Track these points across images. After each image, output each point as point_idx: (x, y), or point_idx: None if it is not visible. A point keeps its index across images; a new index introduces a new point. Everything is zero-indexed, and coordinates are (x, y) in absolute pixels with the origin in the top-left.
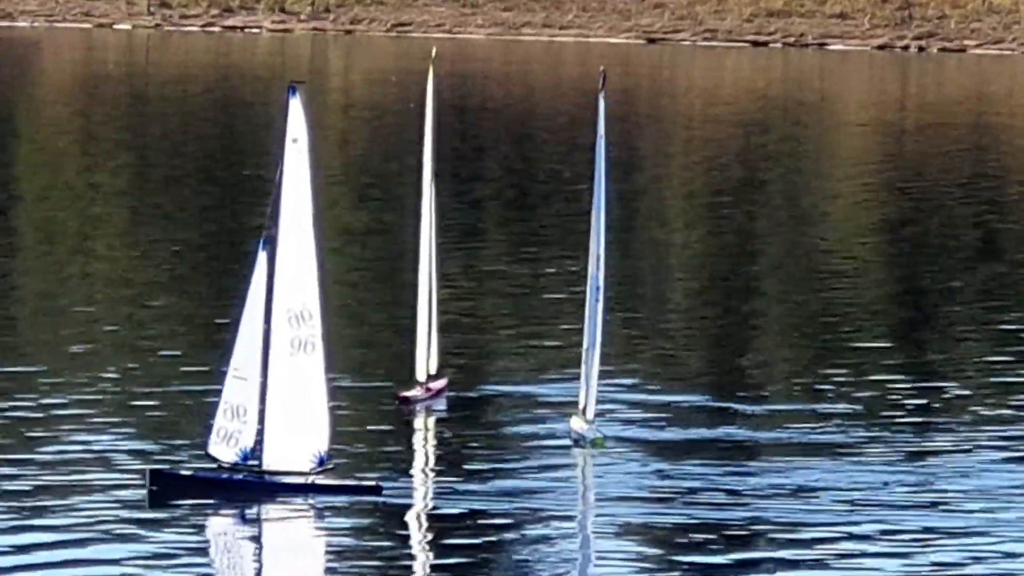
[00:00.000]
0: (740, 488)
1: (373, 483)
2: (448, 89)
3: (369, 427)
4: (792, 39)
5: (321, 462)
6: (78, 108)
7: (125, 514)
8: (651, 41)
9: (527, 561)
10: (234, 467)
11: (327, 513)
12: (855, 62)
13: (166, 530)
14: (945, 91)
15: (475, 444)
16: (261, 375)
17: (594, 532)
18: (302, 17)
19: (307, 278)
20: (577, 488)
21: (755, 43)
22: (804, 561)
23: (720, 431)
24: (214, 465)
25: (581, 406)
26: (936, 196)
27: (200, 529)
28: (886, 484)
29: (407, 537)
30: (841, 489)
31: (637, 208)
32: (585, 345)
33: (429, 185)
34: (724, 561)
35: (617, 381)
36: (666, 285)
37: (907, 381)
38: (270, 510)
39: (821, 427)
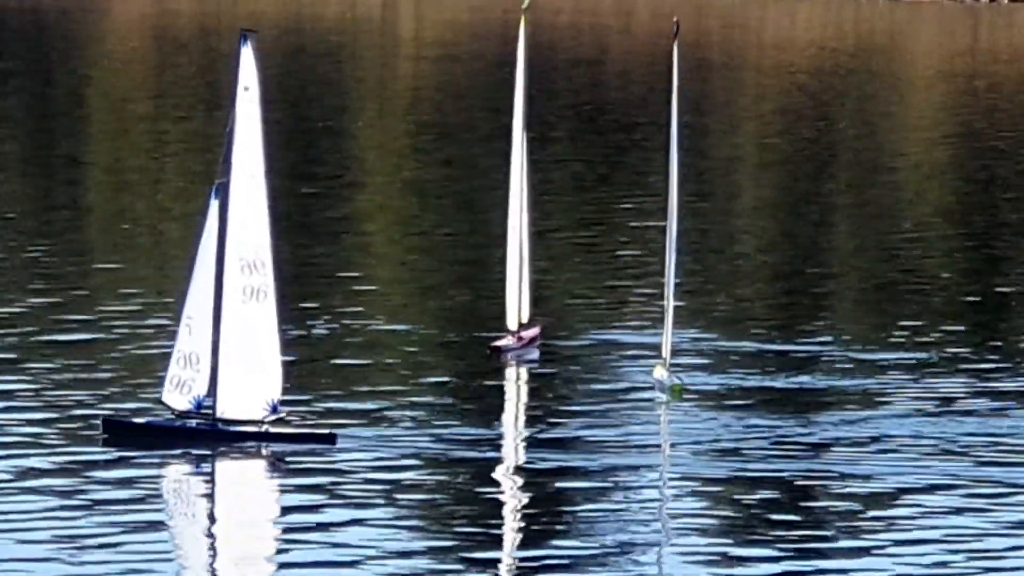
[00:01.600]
0: (811, 439)
1: (327, 431)
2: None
3: (462, 377)
4: None
5: (274, 409)
6: (149, 56)
7: (79, 462)
8: None
9: (590, 513)
10: (187, 415)
11: (281, 461)
12: (926, 13)
13: (119, 478)
14: (1016, 42)
15: (561, 393)
16: (213, 323)
17: (664, 483)
18: None
19: (259, 226)
20: (650, 438)
21: None
22: (878, 517)
23: (793, 380)
24: (168, 413)
25: (664, 355)
26: (1010, 146)
27: (153, 477)
28: (959, 437)
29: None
30: (914, 441)
31: (709, 157)
32: (665, 295)
33: (521, 137)
34: (794, 518)
35: (695, 330)
36: (738, 234)
37: (979, 332)
38: (223, 458)
39: (893, 378)
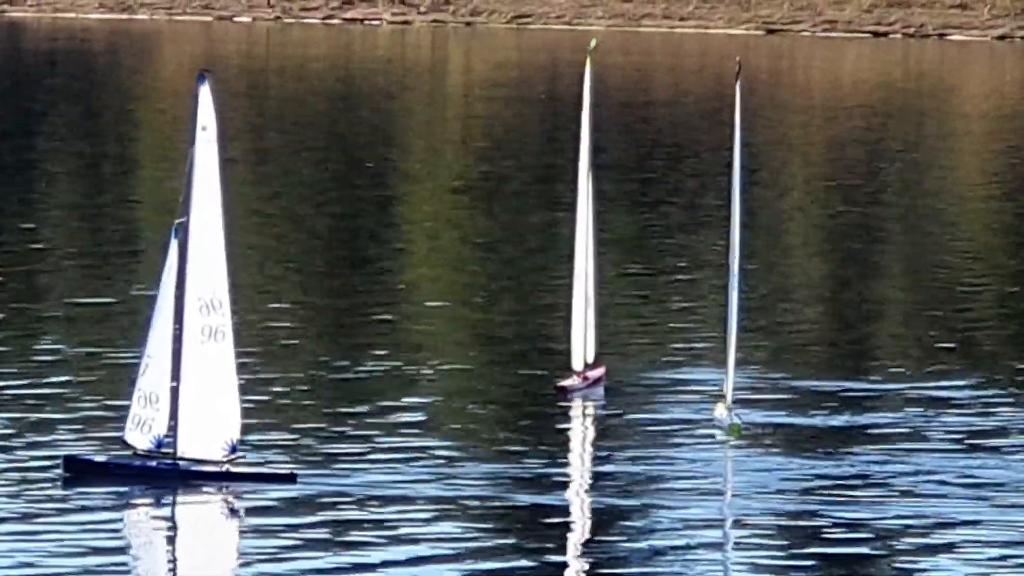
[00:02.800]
0: (871, 479)
1: (288, 471)
2: (576, 81)
3: (527, 416)
4: (912, 30)
5: (233, 450)
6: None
7: (40, 500)
8: (770, 32)
9: (648, 553)
10: (148, 454)
11: (242, 500)
12: (975, 52)
13: (79, 516)
14: None
15: (622, 432)
16: (172, 362)
17: (722, 524)
18: (422, 9)
19: (217, 267)
20: (709, 478)
21: (875, 34)
22: (939, 557)
23: (853, 419)
24: (129, 452)
25: (725, 393)
26: None
27: (113, 517)
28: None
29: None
30: (973, 479)
31: (763, 196)
32: (726, 333)
33: (586, 176)
34: (854, 558)
35: (756, 369)
36: (798, 272)
37: None
38: (184, 497)
39: (954, 415)
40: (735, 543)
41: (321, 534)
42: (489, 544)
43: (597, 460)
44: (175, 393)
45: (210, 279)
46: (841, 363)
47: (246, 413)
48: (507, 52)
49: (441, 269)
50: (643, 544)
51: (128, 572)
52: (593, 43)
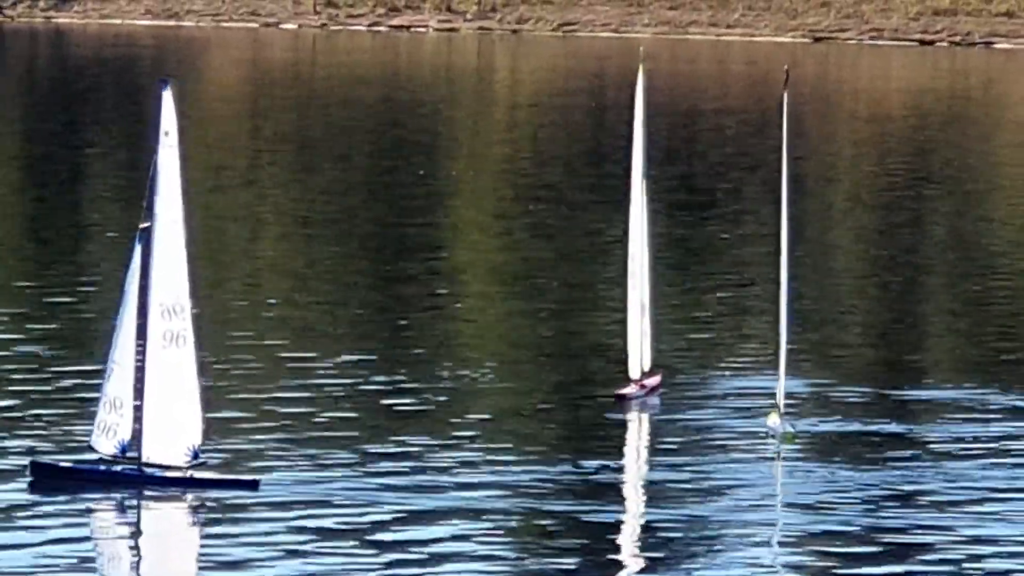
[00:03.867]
0: (924, 488)
1: (251, 478)
2: (625, 89)
3: (584, 425)
4: (958, 38)
5: (195, 455)
6: (244, 108)
7: (4, 504)
8: (817, 40)
9: (700, 560)
10: (113, 459)
11: (205, 505)
12: (1021, 60)
13: (44, 521)
14: None
15: (677, 440)
16: (136, 368)
17: (774, 533)
18: (468, 16)
19: (178, 272)
20: (760, 487)
21: (921, 42)
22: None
23: (907, 427)
24: (95, 457)
25: (777, 401)
26: None
27: (78, 520)
28: None
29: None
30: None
31: (811, 205)
32: (778, 341)
33: (640, 185)
34: (904, 570)
35: (809, 377)
36: (850, 279)
37: None
38: (148, 503)
39: (1010, 425)
40: (786, 554)
41: (345, 542)
42: (540, 551)
43: (650, 468)
44: (139, 398)
45: (172, 284)
46: (893, 372)
47: (292, 418)
48: (553, 60)
49: (491, 278)
50: (694, 553)
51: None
52: (642, 52)
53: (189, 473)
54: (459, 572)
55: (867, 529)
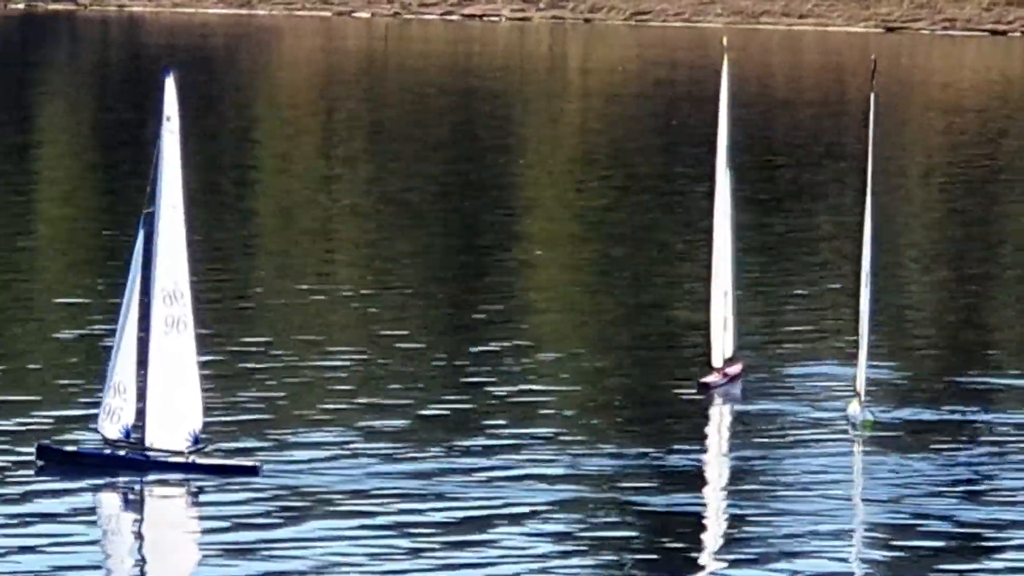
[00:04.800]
0: (1005, 477)
1: (251, 463)
2: (698, 79)
3: (664, 414)
4: None
5: (196, 441)
6: (317, 96)
7: (13, 487)
8: (890, 30)
9: (779, 549)
10: (117, 444)
11: (205, 490)
12: None
13: (51, 504)
14: None
15: (758, 428)
16: (138, 353)
17: (852, 522)
18: (541, 6)
19: (178, 257)
20: (841, 475)
21: (993, 32)
22: None
23: (988, 415)
24: (100, 442)
25: (858, 389)
26: None
27: (83, 504)
28: None
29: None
30: None
31: (887, 195)
32: (858, 330)
33: (724, 175)
34: (980, 558)
35: (891, 365)
36: (931, 268)
37: None
38: (150, 487)
39: None
40: (864, 544)
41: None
42: (616, 539)
43: (731, 457)
44: (142, 383)
45: (172, 270)
46: (973, 360)
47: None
48: (626, 49)
49: (569, 267)
50: (772, 543)
51: (97, 565)
52: (725, 41)
53: (191, 458)
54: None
55: (945, 520)
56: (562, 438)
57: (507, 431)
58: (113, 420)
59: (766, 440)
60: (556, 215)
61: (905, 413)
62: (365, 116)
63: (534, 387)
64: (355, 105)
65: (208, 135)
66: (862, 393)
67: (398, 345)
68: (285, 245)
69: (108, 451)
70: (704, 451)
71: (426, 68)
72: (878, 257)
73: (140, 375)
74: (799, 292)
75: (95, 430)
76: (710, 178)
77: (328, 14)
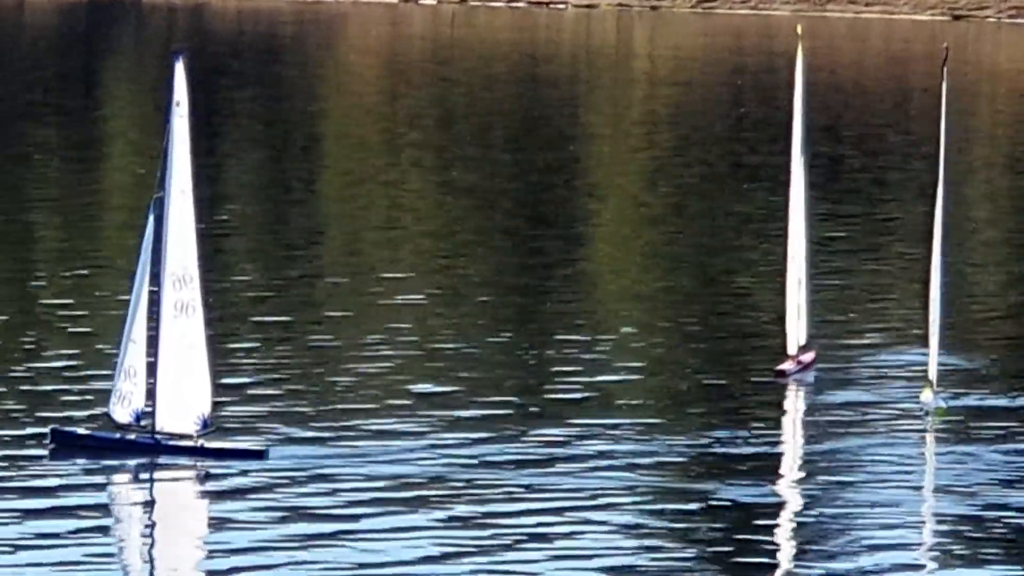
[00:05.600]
0: None
1: (259, 447)
2: (765, 68)
3: (741, 401)
4: None
5: (205, 425)
6: (383, 83)
7: (27, 469)
8: (956, 18)
9: (847, 539)
10: (127, 427)
11: (213, 473)
12: None
13: (63, 486)
14: None
15: (831, 416)
16: (148, 337)
17: (923, 511)
18: None
19: (188, 242)
20: (913, 464)
21: None
22: None
23: None
24: (112, 425)
25: (930, 377)
26: None
27: (95, 486)
28: None
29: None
30: None
31: (958, 182)
32: (930, 317)
33: (799, 163)
34: None
35: (964, 352)
36: (1005, 257)
37: None
38: (160, 470)
39: None
40: (936, 534)
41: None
42: (688, 529)
43: (804, 445)
44: (152, 368)
45: (182, 254)
46: None
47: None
48: (692, 37)
49: (643, 255)
50: (844, 530)
51: (106, 541)
52: (799, 29)
53: (200, 442)
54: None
55: (1018, 510)
56: (632, 426)
57: (577, 419)
58: (124, 404)
59: (838, 428)
60: (626, 202)
61: (977, 400)
62: (431, 102)
63: (607, 375)
64: (421, 91)
65: (277, 121)
66: (934, 381)
67: (459, 329)
68: (352, 230)
69: (119, 435)
70: (777, 440)
71: (492, 55)
72: (950, 244)
73: (150, 359)
74: (872, 279)
75: (107, 414)
76: (784, 166)
77: (395, 1)
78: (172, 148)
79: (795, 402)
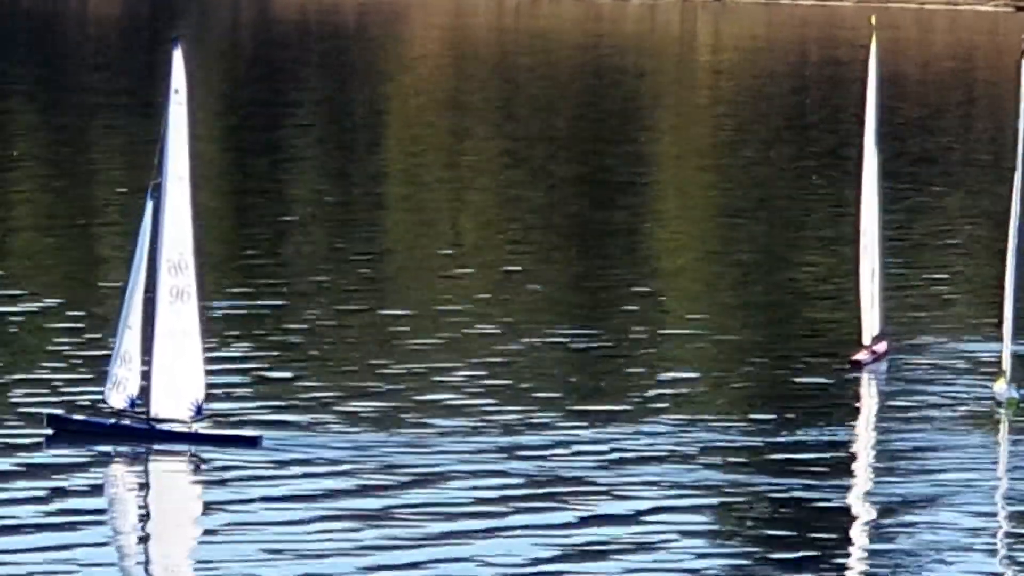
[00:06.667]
0: None
1: (253, 434)
2: (828, 61)
3: (821, 390)
4: None
5: (199, 411)
6: (447, 73)
7: (23, 454)
8: (1019, 9)
9: (915, 537)
10: (122, 413)
11: (208, 459)
12: None
13: (59, 471)
14: None
15: (902, 406)
16: (144, 323)
17: (993, 504)
18: None
19: (184, 228)
20: (986, 454)
21: None
22: None
23: None
24: (107, 411)
25: (1004, 367)
26: None
27: (90, 470)
28: None
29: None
30: None
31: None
32: (1004, 308)
33: (873, 154)
34: None
35: None
36: None
37: None
38: (155, 456)
39: None
40: (1010, 527)
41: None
42: (760, 523)
43: (877, 437)
44: (147, 353)
45: (178, 240)
46: None
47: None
48: (756, 28)
49: (715, 247)
50: (916, 524)
51: (100, 528)
52: (873, 20)
53: (194, 428)
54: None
55: None
56: (705, 419)
57: (649, 417)
58: (119, 390)
59: (912, 418)
60: (694, 195)
61: None
62: (493, 92)
63: (679, 369)
64: (483, 81)
65: (341, 112)
66: (1008, 371)
67: (497, 321)
68: (416, 220)
69: (113, 420)
70: (851, 431)
71: (555, 45)
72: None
73: (145, 345)
74: (945, 269)
75: (103, 400)
76: (855, 157)
77: None
78: (168, 134)
79: (869, 392)
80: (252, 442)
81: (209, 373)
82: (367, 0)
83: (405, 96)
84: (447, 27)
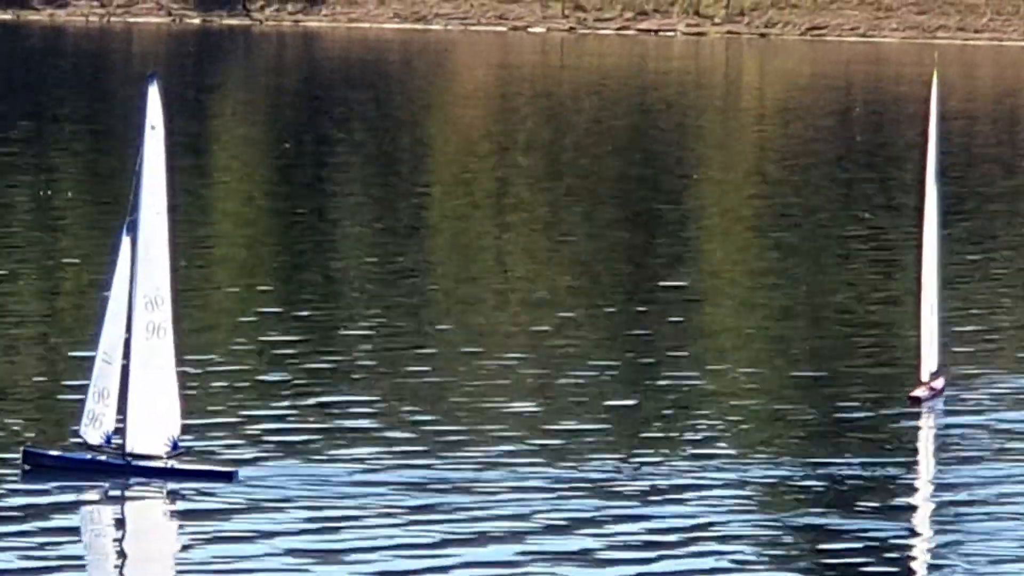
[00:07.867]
0: None
1: (227, 469)
2: (874, 93)
3: (880, 427)
4: None
5: (175, 446)
6: (493, 110)
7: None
8: None
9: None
10: (99, 449)
11: (183, 495)
12: None
13: (34, 506)
14: None
15: (960, 443)
16: (122, 358)
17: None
18: (716, 20)
19: (160, 263)
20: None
21: None
22: None
23: None
24: (83, 447)
25: None
26: None
27: (66, 508)
28: None
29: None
30: None
31: None
32: None
33: (933, 185)
34: None
35: None
36: None
37: None
38: (131, 491)
39: None
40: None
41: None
42: (820, 561)
43: (934, 475)
44: (123, 389)
45: (155, 275)
46: None
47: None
48: (802, 64)
49: (771, 282)
50: (976, 561)
51: (79, 564)
52: (936, 56)
53: (169, 463)
54: None
55: None
56: (761, 455)
57: (701, 449)
58: (96, 426)
59: (971, 455)
60: (745, 232)
61: None
62: (539, 129)
63: (734, 404)
64: (529, 118)
65: (385, 150)
66: None
67: (547, 346)
68: (463, 255)
69: (90, 456)
70: (910, 468)
71: (601, 83)
72: None
73: (122, 381)
74: (1003, 305)
75: (79, 435)
76: (916, 192)
77: (503, 29)
78: (144, 170)
79: (927, 429)
80: (227, 477)
81: (184, 408)
82: (412, 38)
83: (451, 132)
84: (493, 64)
